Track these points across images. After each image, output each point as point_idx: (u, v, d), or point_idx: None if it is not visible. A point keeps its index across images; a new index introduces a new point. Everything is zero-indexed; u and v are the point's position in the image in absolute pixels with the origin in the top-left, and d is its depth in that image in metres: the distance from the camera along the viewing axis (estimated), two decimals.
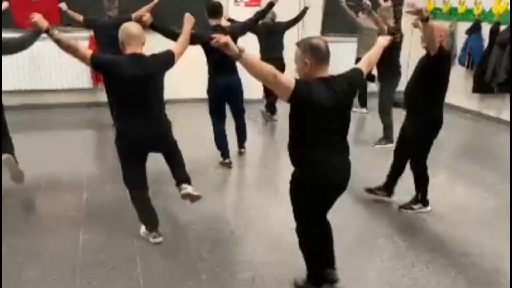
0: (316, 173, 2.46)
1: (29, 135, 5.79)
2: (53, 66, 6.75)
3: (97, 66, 3.03)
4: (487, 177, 4.78)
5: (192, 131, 5.62)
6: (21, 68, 6.64)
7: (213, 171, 4.73)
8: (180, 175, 3.37)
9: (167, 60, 3.18)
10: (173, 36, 4.33)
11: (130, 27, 3.06)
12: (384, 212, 3.92)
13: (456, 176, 4.80)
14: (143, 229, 3.35)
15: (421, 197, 3.86)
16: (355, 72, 2.65)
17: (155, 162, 3.45)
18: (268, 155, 5.55)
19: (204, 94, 4.79)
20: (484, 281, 3.01)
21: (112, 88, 3.32)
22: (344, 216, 3.76)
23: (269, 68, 2.30)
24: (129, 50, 3.02)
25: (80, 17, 5.98)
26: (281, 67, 6.25)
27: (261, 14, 4.87)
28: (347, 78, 2.51)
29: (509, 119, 6.68)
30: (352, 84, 2.52)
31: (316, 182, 2.48)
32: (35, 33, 3.64)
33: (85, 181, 4.33)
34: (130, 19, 5.73)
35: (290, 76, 2.36)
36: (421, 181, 3.81)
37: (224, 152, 4.81)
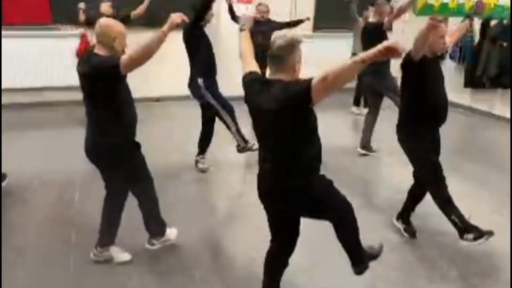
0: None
1: (22, 133, 5.77)
2: (47, 64, 6.70)
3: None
4: (480, 171, 4.81)
5: (187, 128, 5.60)
6: (15, 66, 6.59)
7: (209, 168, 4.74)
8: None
9: (104, 65, 2.65)
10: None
11: (98, 24, 2.76)
12: (380, 211, 3.94)
13: (448, 170, 4.79)
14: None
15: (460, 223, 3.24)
16: (302, 84, 2.12)
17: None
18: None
19: None
20: (475, 275, 3.04)
21: None
22: None
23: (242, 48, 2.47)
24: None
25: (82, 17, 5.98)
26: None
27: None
28: (289, 89, 2.16)
29: (500, 114, 6.74)
30: (290, 97, 2.14)
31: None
32: None
33: (78, 180, 4.31)
34: (129, 16, 5.75)
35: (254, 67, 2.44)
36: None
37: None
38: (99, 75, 2.64)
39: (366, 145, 5.20)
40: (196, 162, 4.68)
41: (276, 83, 2.21)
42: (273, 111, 2.18)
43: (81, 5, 5.97)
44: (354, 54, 6.78)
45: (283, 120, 2.19)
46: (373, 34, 4.85)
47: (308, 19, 6.75)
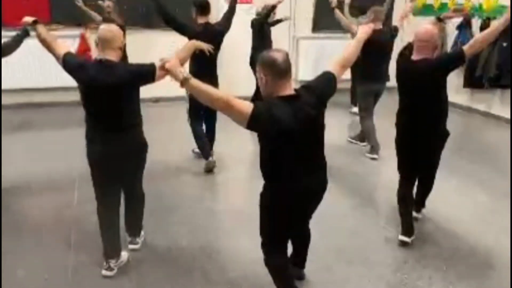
0: (284, 191, 2.30)
1: (20, 134, 5.76)
2: (44, 64, 6.67)
3: (65, 66, 2.79)
4: (478, 171, 4.81)
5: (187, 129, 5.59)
6: (11, 67, 6.56)
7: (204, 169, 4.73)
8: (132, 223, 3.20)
9: (143, 72, 2.70)
10: (174, 24, 4.35)
11: (103, 30, 2.73)
12: (377, 209, 3.95)
13: (447, 170, 4.80)
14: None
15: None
16: (325, 77, 2.37)
17: None
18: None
19: None
20: (474, 275, 3.05)
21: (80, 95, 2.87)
22: (338, 212, 3.79)
23: (220, 94, 2.12)
24: (101, 54, 2.72)
25: (98, 17, 5.95)
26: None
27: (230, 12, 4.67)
28: (314, 89, 2.28)
29: (498, 114, 6.74)
30: (321, 96, 2.28)
31: (283, 202, 2.33)
32: (22, 34, 3.54)
33: (77, 181, 4.31)
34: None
35: (247, 102, 2.15)
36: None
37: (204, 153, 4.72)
38: (136, 82, 2.73)
39: (375, 148, 5.17)
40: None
41: (298, 97, 2.20)
42: (316, 120, 2.26)
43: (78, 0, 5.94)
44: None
45: (320, 123, 2.31)
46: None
47: (286, 18, 6.75)
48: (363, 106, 5.19)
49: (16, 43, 3.58)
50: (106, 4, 5.88)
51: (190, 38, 4.13)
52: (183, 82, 2.17)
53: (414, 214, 3.54)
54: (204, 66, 4.19)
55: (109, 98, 2.68)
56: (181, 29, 4.36)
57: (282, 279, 2.57)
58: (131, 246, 3.18)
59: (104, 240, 2.93)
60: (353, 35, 5.14)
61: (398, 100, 3.31)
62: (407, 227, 3.34)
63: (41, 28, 2.89)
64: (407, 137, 3.28)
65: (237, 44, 6.27)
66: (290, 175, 2.25)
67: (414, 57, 3.12)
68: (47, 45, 2.86)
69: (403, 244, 3.30)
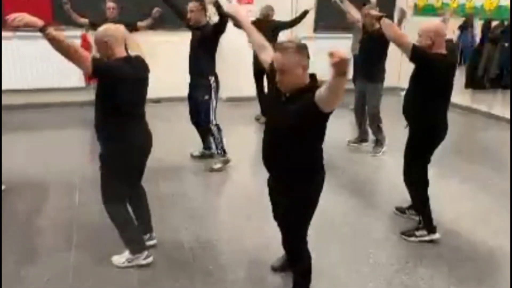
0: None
1: (20, 135, 5.77)
2: (44, 65, 6.70)
3: (98, 70, 2.66)
4: (479, 171, 4.82)
5: (188, 129, 5.60)
6: (11, 68, 6.59)
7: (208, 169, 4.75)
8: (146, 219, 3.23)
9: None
10: (181, 15, 4.49)
11: (116, 29, 2.80)
12: (379, 209, 3.95)
13: (448, 171, 4.82)
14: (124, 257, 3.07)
15: (424, 221, 3.41)
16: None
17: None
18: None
19: None
20: (476, 275, 3.04)
21: (116, 94, 2.74)
22: (340, 212, 3.79)
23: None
24: (120, 53, 2.75)
25: (80, 19, 5.96)
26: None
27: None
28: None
29: (499, 114, 6.74)
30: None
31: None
32: None
33: (77, 182, 4.32)
34: (135, 24, 5.76)
35: None
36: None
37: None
38: None
39: (382, 141, 5.26)
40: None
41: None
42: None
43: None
44: (353, 56, 6.74)
45: None
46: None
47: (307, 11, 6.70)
48: (378, 103, 5.19)
49: None
50: (109, 5, 5.87)
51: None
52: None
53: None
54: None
55: (144, 89, 2.88)
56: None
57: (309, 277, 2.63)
58: (151, 242, 3.20)
59: (133, 236, 3.01)
60: (354, 22, 5.23)
61: (418, 101, 3.25)
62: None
63: (51, 29, 2.72)
64: (442, 136, 3.29)
65: (238, 44, 6.26)
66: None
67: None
68: (64, 46, 2.70)
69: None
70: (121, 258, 3.04)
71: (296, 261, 2.60)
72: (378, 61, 5.03)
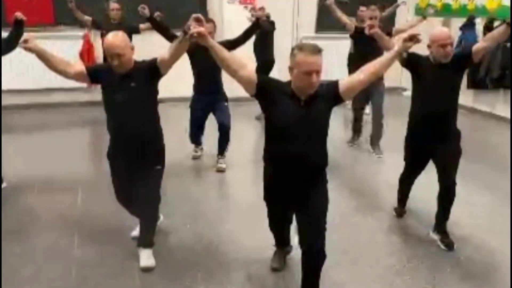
0: None
1: (25, 134, 5.79)
2: (45, 66, 6.72)
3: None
4: (481, 171, 4.81)
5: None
6: (13, 68, 6.60)
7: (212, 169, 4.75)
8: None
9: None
10: (169, 36, 4.38)
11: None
12: (381, 210, 3.94)
13: None
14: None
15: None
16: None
17: None
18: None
19: None
20: (478, 276, 3.04)
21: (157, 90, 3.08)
22: (341, 212, 3.79)
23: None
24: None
25: (84, 17, 5.98)
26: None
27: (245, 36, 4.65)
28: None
29: (502, 114, 6.73)
30: None
31: None
32: (18, 30, 3.68)
33: (81, 181, 4.33)
34: (137, 27, 5.77)
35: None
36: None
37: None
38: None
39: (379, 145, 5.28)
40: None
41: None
42: None
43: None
44: (350, 54, 6.74)
45: None
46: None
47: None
48: (383, 99, 5.23)
49: (16, 38, 3.69)
50: (112, 6, 5.86)
51: (188, 55, 4.34)
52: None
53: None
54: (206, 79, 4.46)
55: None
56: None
57: None
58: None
59: (152, 229, 3.08)
60: (345, 25, 5.21)
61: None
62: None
63: (33, 40, 2.85)
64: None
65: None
66: None
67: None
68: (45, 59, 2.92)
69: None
70: (151, 258, 3.04)
71: (324, 257, 2.54)
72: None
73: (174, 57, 2.79)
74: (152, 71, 2.83)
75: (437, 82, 3.18)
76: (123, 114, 2.83)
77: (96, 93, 6.72)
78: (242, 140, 5.56)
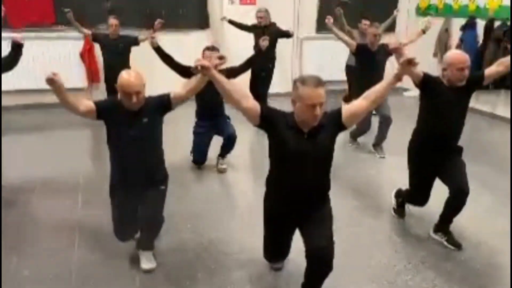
0: None
1: (23, 135, 5.79)
2: (46, 66, 6.70)
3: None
4: (482, 172, 4.79)
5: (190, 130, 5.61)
6: (19, 68, 6.54)
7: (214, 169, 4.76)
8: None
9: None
10: (176, 67, 4.42)
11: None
12: (381, 209, 3.94)
13: None
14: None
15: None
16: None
17: None
18: (262, 155, 5.55)
19: None
20: (478, 276, 3.04)
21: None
22: (342, 213, 3.78)
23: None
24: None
25: (83, 30, 5.98)
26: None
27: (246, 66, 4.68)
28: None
29: (503, 114, 6.72)
30: None
31: None
32: (17, 52, 3.73)
33: (81, 182, 4.33)
34: (136, 39, 5.76)
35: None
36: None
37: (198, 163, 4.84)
38: None
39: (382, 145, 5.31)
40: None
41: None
42: None
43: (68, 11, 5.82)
44: (348, 66, 6.72)
45: None
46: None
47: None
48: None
49: (14, 58, 3.79)
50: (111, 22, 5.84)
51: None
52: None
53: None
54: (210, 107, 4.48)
55: None
56: (185, 73, 4.46)
57: None
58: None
59: (154, 238, 3.08)
60: (349, 44, 5.22)
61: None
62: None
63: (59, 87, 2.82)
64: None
65: (240, 45, 6.27)
66: None
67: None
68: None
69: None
70: (152, 260, 3.04)
71: (331, 265, 2.48)
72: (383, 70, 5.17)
73: (190, 94, 2.84)
74: (165, 106, 2.88)
75: (450, 105, 3.20)
76: (134, 149, 2.83)
77: (95, 93, 6.79)
78: (242, 140, 5.51)
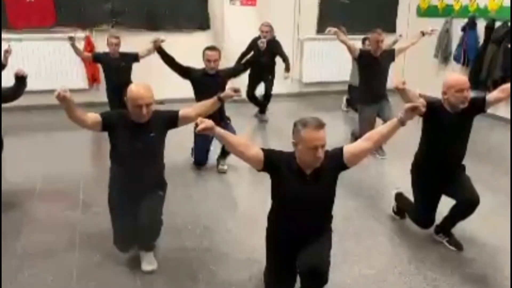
0: None
1: (26, 136, 5.80)
2: (47, 66, 6.72)
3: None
4: (483, 172, 4.79)
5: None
6: (14, 69, 6.58)
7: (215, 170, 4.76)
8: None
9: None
10: (177, 67, 4.49)
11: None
12: (382, 211, 3.94)
13: None
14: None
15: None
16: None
17: None
18: None
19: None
20: (479, 277, 3.03)
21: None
22: (342, 214, 3.78)
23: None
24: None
25: (84, 54, 5.98)
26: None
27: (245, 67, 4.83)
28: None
29: (504, 115, 6.71)
30: None
31: None
32: (20, 84, 3.78)
33: (81, 182, 4.33)
34: (136, 56, 5.72)
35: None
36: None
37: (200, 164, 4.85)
38: None
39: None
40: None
41: None
42: None
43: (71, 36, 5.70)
44: (350, 86, 6.69)
45: None
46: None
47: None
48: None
49: (18, 90, 3.83)
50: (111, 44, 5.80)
51: (192, 82, 4.51)
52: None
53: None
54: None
55: None
56: (186, 73, 4.60)
57: None
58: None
59: (154, 239, 3.07)
60: (349, 48, 5.21)
61: None
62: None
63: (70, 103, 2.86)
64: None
65: (241, 46, 6.27)
66: None
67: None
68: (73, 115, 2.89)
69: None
70: (153, 261, 3.04)
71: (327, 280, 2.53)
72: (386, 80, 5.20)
73: (197, 117, 2.83)
74: (172, 123, 2.96)
75: (453, 130, 3.20)
76: (138, 161, 2.86)
77: (96, 94, 6.79)
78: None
